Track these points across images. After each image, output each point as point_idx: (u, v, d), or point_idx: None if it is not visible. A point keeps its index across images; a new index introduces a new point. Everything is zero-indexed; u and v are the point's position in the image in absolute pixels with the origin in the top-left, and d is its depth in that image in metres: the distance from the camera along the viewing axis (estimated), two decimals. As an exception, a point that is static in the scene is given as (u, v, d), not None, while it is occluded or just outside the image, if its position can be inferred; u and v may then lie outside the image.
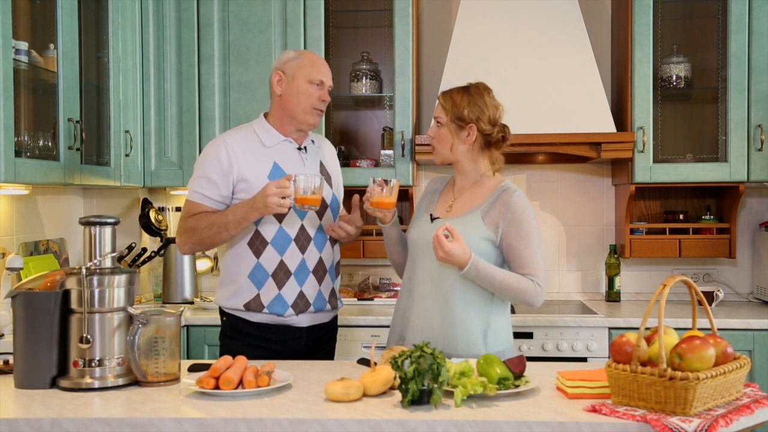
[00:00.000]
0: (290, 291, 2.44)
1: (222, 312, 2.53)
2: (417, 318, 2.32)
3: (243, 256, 2.44)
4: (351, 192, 3.66)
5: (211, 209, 2.41)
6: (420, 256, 2.35)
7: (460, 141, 2.33)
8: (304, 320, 2.48)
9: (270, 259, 2.42)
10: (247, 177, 2.41)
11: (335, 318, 2.65)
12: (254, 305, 2.43)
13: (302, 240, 2.45)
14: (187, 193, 2.46)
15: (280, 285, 2.43)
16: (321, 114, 2.50)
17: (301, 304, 2.46)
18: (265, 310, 2.43)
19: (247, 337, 2.45)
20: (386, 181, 2.33)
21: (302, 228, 2.45)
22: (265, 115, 2.55)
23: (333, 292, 2.57)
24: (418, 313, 2.32)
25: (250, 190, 2.38)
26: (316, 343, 2.55)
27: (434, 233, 2.16)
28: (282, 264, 2.42)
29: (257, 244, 2.42)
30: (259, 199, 2.28)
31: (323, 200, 2.44)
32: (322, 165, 2.58)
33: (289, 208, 2.30)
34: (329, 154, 2.67)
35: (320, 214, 2.49)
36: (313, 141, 2.59)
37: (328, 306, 2.54)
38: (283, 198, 2.25)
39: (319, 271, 2.50)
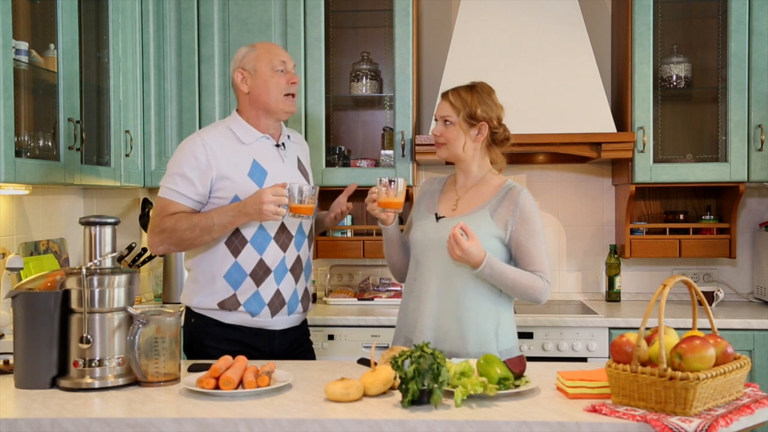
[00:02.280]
0: (268, 289, 2.38)
1: (191, 313, 2.44)
2: (427, 319, 2.31)
3: (220, 255, 2.36)
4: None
5: (188, 209, 2.34)
6: (425, 256, 2.34)
7: (470, 139, 2.34)
8: (277, 323, 2.42)
9: (248, 258, 2.36)
10: (226, 174, 2.34)
11: (305, 322, 2.60)
12: (229, 303, 2.36)
13: (283, 238, 2.40)
14: (161, 191, 2.36)
15: (258, 283, 2.37)
16: (294, 99, 2.44)
17: (276, 302, 2.39)
18: (241, 308, 2.36)
19: (219, 342, 2.37)
20: (391, 181, 2.32)
21: (282, 226, 2.40)
22: (238, 112, 2.48)
23: (306, 292, 2.52)
24: (428, 313, 2.31)
25: (231, 188, 2.33)
26: (290, 348, 2.49)
27: (450, 232, 2.16)
28: (261, 262, 2.37)
29: (236, 243, 2.36)
30: (251, 205, 2.23)
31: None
32: (299, 161, 2.54)
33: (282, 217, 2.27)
34: (305, 150, 2.64)
35: None
36: (288, 136, 2.54)
37: (300, 307, 2.48)
38: (278, 206, 2.21)
39: (297, 269, 2.45)
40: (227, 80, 3.46)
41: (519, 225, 2.28)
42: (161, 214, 2.34)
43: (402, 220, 3.12)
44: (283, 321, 2.44)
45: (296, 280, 2.46)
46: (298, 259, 2.46)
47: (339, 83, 3.74)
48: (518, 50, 3.46)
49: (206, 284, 2.39)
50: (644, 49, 3.39)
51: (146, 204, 3.62)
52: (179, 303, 3.53)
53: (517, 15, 3.49)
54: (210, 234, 2.29)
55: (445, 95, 2.39)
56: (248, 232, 2.36)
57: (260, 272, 2.37)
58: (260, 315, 2.39)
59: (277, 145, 2.47)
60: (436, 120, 2.42)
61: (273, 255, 2.38)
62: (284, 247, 2.41)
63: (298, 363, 2.28)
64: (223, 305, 2.37)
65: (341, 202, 2.56)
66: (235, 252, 2.36)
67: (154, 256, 3.60)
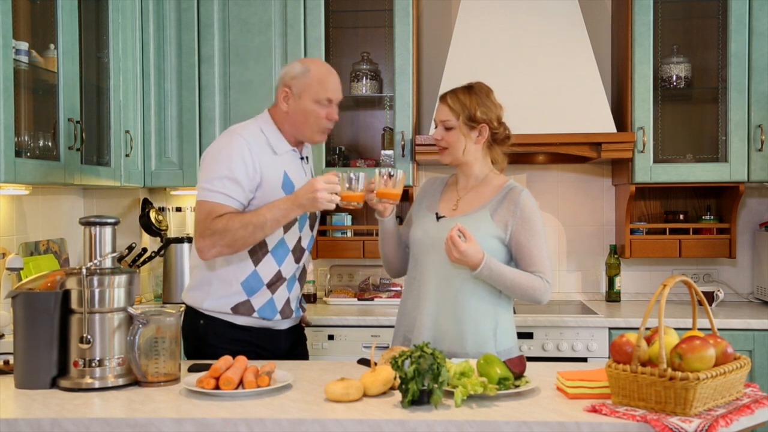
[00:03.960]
0: (281, 297, 2.41)
1: (199, 315, 2.41)
2: (425, 318, 2.31)
3: (240, 262, 2.36)
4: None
5: (236, 211, 2.29)
6: (424, 255, 2.34)
7: (471, 141, 2.33)
8: (283, 323, 2.47)
9: (268, 268, 2.37)
10: (264, 183, 2.32)
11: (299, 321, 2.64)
12: (243, 309, 2.37)
13: (297, 251, 2.44)
14: (206, 193, 2.27)
15: (273, 291, 2.40)
16: (328, 132, 2.44)
17: (287, 310, 2.44)
18: (255, 314, 2.37)
19: (229, 342, 2.37)
20: (390, 174, 2.30)
21: (299, 239, 2.44)
22: (270, 112, 2.45)
23: (302, 297, 2.59)
24: (427, 312, 2.31)
25: (264, 197, 2.31)
26: (293, 346, 2.54)
27: (448, 234, 2.16)
28: (279, 273, 2.39)
29: (259, 254, 2.36)
30: (304, 195, 2.20)
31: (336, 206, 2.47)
32: (312, 174, 2.58)
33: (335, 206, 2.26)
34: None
35: (311, 223, 2.49)
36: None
37: (301, 310, 2.55)
38: (332, 194, 2.19)
39: (302, 278, 2.53)
40: (227, 80, 3.46)
41: (519, 225, 2.27)
42: (209, 217, 2.26)
43: (401, 219, 3.12)
44: (288, 321, 2.49)
45: (301, 287, 2.54)
46: (304, 269, 2.53)
47: (339, 83, 3.74)
48: (518, 50, 3.46)
49: (221, 288, 2.38)
50: (644, 49, 3.39)
51: (146, 204, 3.62)
52: (179, 303, 3.53)
53: (517, 15, 3.49)
54: (263, 231, 2.25)
55: (443, 99, 2.37)
56: (271, 243, 2.37)
57: (275, 281, 2.40)
58: (273, 320, 2.42)
59: (302, 158, 2.48)
60: (435, 124, 2.40)
61: (289, 266, 2.42)
62: (298, 260, 2.45)
63: (298, 363, 2.28)
64: (236, 310, 2.37)
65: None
66: (256, 261, 2.37)
67: (154, 256, 3.60)
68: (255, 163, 2.30)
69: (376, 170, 2.31)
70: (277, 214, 2.23)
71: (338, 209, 2.62)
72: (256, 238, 2.26)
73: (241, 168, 2.28)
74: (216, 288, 2.39)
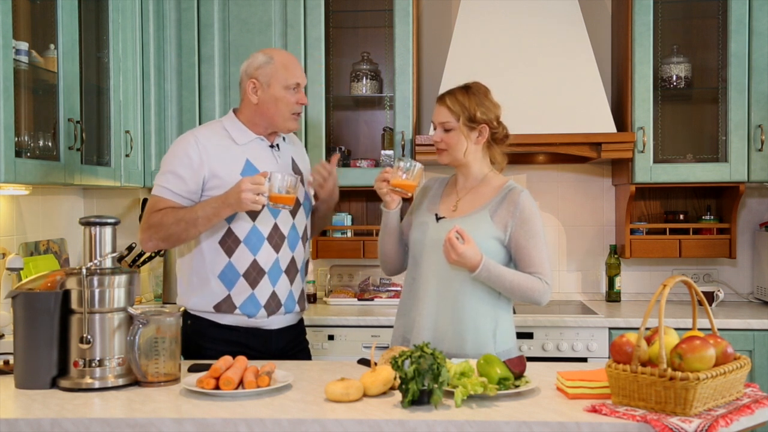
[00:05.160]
0: (263, 291, 2.38)
1: (187, 314, 2.42)
2: (424, 319, 2.30)
3: (214, 255, 2.36)
4: (351, 192, 3.65)
5: (177, 205, 2.33)
6: (423, 255, 2.34)
7: (471, 142, 2.32)
8: (273, 322, 2.42)
9: (242, 258, 2.35)
10: (219, 173, 2.34)
11: (302, 321, 2.59)
12: (225, 306, 2.36)
13: (276, 239, 2.39)
14: (154, 189, 2.37)
15: (253, 285, 2.36)
16: (299, 117, 2.46)
17: (273, 304, 2.39)
18: (237, 311, 2.36)
19: (216, 343, 2.37)
20: (408, 166, 2.28)
21: (275, 226, 2.39)
22: (235, 112, 2.48)
23: (302, 292, 2.53)
24: (425, 313, 2.30)
25: (223, 186, 2.31)
26: (286, 347, 2.49)
27: (446, 236, 2.15)
28: (255, 263, 2.36)
29: (229, 243, 2.35)
30: (232, 195, 2.21)
31: (296, 199, 2.43)
32: (293, 162, 2.53)
33: (263, 206, 2.25)
34: (300, 151, 2.64)
35: (293, 212, 2.44)
36: (283, 138, 2.54)
37: (297, 307, 2.49)
38: (258, 195, 2.19)
39: (292, 270, 2.45)
40: (227, 80, 3.46)
41: (518, 226, 2.27)
42: (150, 210, 2.35)
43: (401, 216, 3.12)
44: (279, 320, 2.44)
45: (291, 281, 2.46)
46: (293, 260, 2.46)
47: (339, 83, 3.74)
48: (518, 50, 3.46)
49: (200, 285, 2.38)
50: (644, 49, 3.39)
51: (146, 204, 3.62)
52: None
53: (517, 15, 3.49)
54: (195, 227, 2.28)
55: (441, 100, 2.35)
56: (241, 232, 2.36)
57: (254, 273, 2.37)
58: (257, 316, 2.39)
59: (271, 146, 2.47)
60: (433, 126, 2.39)
61: (266, 255, 2.38)
62: (277, 248, 2.40)
63: (298, 363, 2.28)
64: (218, 308, 2.37)
65: (316, 168, 2.52)
66: (229, 252, 2.36)
67: (154, 256, 3.60)
68: (201, 155, 2.34)
69: (396, 159, 2.31)
70: (209, 211, 2.27)
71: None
72: (190, 234, 2.30)
73: (184, 162, 2.34)
74: (196, 286, 2.39)
